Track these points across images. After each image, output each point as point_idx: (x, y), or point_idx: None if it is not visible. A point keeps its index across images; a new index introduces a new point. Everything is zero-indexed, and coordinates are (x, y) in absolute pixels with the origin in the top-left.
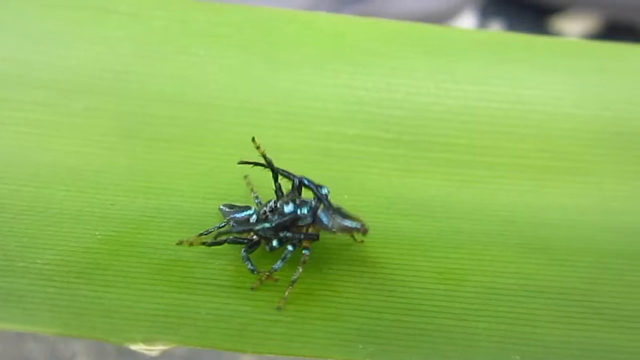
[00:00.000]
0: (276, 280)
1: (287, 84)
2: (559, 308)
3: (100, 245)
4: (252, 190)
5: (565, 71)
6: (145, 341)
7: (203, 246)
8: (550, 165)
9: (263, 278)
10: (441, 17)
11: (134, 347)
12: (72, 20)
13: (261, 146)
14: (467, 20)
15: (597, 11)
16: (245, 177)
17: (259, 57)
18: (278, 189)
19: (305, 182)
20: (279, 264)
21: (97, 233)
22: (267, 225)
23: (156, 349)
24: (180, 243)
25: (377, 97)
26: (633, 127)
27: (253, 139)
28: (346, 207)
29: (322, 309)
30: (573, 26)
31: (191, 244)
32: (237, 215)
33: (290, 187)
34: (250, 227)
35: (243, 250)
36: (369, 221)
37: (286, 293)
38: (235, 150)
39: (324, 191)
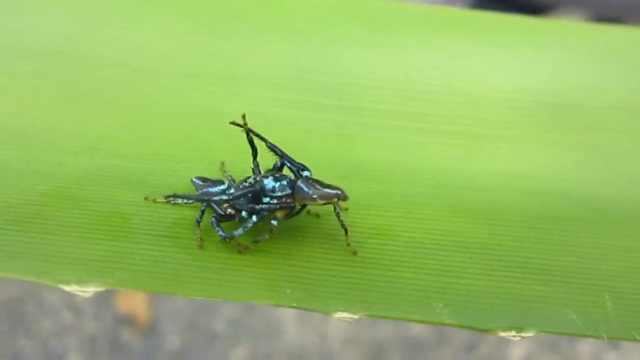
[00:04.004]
0: (247, 247)
1: (229, 51)
2: (483, 262)
3: (42, 198)
4: (224, 172)
5: (497, 44)
6: (79, 283)
7: (153, 202)
8: (481, 132)
9: (225, 241)
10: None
11: (67, 288)
12: None
13: (247, 123)
14: None
15: (585, 9)
16: (222, 163)
17: (201, 25)
18: (256, 167)
19: (287, 163)
20: (239, 231)
21: (41, 188)
22: (234, 193)
23: (89, 290)
24: (146, 199)
25: (317, 65)
26: (561, 97)
27: (243, 116)
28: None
29: (252, 257)
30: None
31: (154, 201)
32: (210, 189)
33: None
34: (220, 197)
35: (212, 216)
36: None
37: (247, 245)
38: (177, 113)
39: (306, 173)
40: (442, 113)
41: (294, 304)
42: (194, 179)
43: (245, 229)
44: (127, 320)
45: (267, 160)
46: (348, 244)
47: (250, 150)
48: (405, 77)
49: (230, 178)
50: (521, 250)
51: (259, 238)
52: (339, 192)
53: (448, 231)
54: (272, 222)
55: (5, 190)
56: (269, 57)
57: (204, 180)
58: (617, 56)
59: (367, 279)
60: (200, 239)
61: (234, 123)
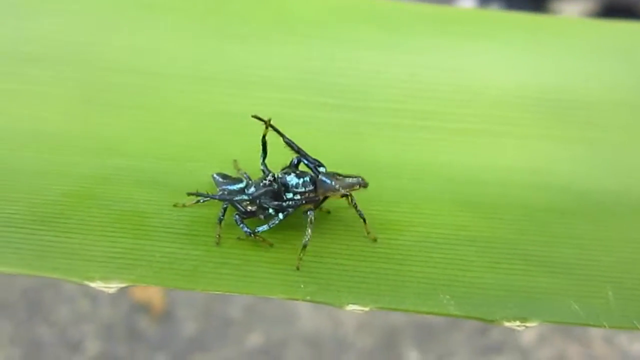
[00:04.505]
0: (271, 244)
1: (236, 54)
2: (488, 255)
3: (63, 198)
4: (238, 169)
5: (500, 42)
6: (103, 279)
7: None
8: (486, 128)
9: (250, 237)
10: (441, 2)
11: (92, 284)
12: None
13: (266, 121)
14: (467, 2)
15: None
16: (235, 161)
17: (209, 29)
18: (265, 168)
19: (304, 160)
20: (264, 227)
21: (61, 188)
22: (256, 191)
23: (113, 286)
24: (175, 205)
25: (325, 66)
26: (561, 93)
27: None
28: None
29: (268, 253)
30: (572, 7)
31: (184, 206)
32: (230, 187)
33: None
34: (242, 197)
35: (235, 214)
36: None
37: (301, 254)
38: (184, 115)
39: (322, 169)
40: (448, 111)
41: (308, 298)
42: (214, 175)
43: (272, 226)
44: (143, 308)
45: (277, 157)
46: (368, 232)
47: (261, 151)
48: (412, 77)
49: (246, 176)
50: (524, 243)
51: (306, 239)
52: (360, 178)
53: (454, 225)
54: (309, 213)
55: (28, 192)
56: (278, 59)
57: (224, 177)
58: (618, 52)
59: (377, 272)
60: (219, 235)
61: (255, 117)
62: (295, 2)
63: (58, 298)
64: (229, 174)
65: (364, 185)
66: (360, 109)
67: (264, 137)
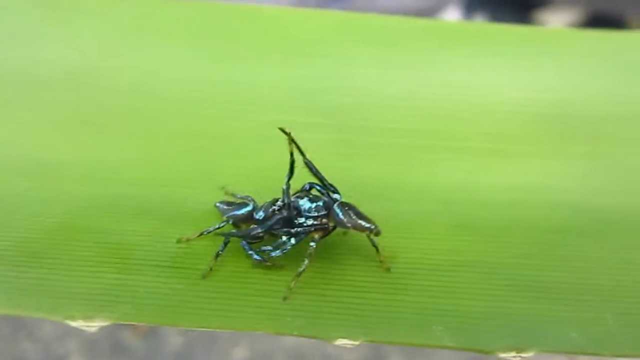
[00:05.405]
0: (282, 266)
1: (234, 75)
2: (485, 281)
3: (54, 230)
4: (232, 194)
5: (505, 56)
6: (85, 318)
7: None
8: (490, 147)
9: (266, 263)
10: (427, 12)
11: (74, 324)
12: (37, 19)
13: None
14: (451, 15)
15: (581, 2)
16: (223, 188)
17: (205, 51)
18: (287, 189)
19: (317, 186)
20: (277, 252)
21: (52, 220)
22: (269, 222)
23: (95, 325)
24: (179, 241)
25: (321, 86)
26: (570, 108)
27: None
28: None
29: (254, 285)
30: (557, 18)
31: (188, 240)
32: (237, 213)
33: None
34: (257, 230)
35: (242, 241)
36: None
37: (292, 284)
38: (183, 139)
39: (336, 196)
40: (448, 129)
41: (295, 332)
42: (217, 204)
43: (284, 252)
44: (128, 323)
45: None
46: (381, 261)
47: (288, 170)
48: (410, 95)
49: (249, 198)
50: (523, 267)
51: (300, 269)
52: (373, 226)
53: (451, 250)
54: (311, 244)
55: (20, 222)
56: (275, 80)
57: (229, 204)
58: (626, 64)
59: (368, 304)
60: (211, 269)
61: (281, 129)
62: (293, 21)
63: None
64: (233, 199)
65: (376, 232)
66: (358, 129)
67: (291, 154)
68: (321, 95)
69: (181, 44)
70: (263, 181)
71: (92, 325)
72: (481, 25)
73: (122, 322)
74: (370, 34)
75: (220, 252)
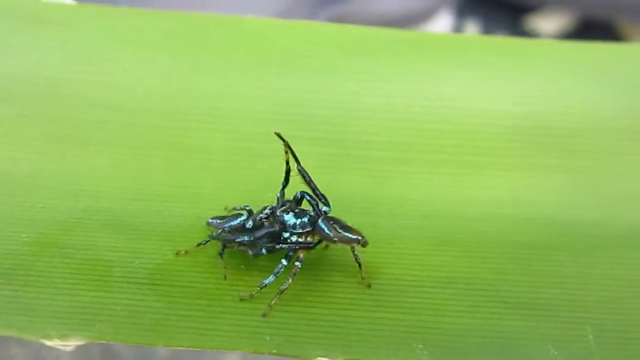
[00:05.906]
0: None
1: (213, 87)
2: (465, 298)
3: (25, 247)
4: (225, 207)
5: (479, 68)
6: (61, 337)
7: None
8: (466, 159)
9: (254, 293)
10: (418, 18)
11: (49, 343)
12: (2, 30)
13: (286, 142)
14: (443, 20)
15: (572, 9)
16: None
17: (185, 62)
18: (281, 197)
19: (307, 196)
20: (271, 278)
21: (25, 235)
22: (259, 234)
23: (71, 344)
24: (177, 254)
25: (301, 98)
26: (543, 120)
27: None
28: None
29: (232, 303)
30: (548, 24)
31: (186, 252)
32: (232, 223)
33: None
34: (243, 237)
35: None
36: None
37: (273, 301)
38: (161, 152)
39: (325, 209)
40: (426, 142)
41: (274, 351)
42: (209, 221)
43: (277, 275)
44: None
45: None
46: (363, 278)
47: (284, 178)
48: (388, 107)
49: (249, 209)
50: (504, 283)
51: (283, 287)
52: (359, 237)
53: (431, 266)
54: (296, 263)
55: None
56: (253, 92)
57: (221, 218)
58: (601, 75)
59: (347, 321)
60: (225, 268)
61: (277, 134)
62: (273, 32)
63: None
64: (225, 214)
65: (363, 243)
66: (335, 142)
67: (287, 163)
68: (299, 107)
69: (161, 55)
70: (243, 194)
71: (68, 345)
72: (458, 37)
73: (98, 342)
74: (350, 46)
75: (221, 252)
